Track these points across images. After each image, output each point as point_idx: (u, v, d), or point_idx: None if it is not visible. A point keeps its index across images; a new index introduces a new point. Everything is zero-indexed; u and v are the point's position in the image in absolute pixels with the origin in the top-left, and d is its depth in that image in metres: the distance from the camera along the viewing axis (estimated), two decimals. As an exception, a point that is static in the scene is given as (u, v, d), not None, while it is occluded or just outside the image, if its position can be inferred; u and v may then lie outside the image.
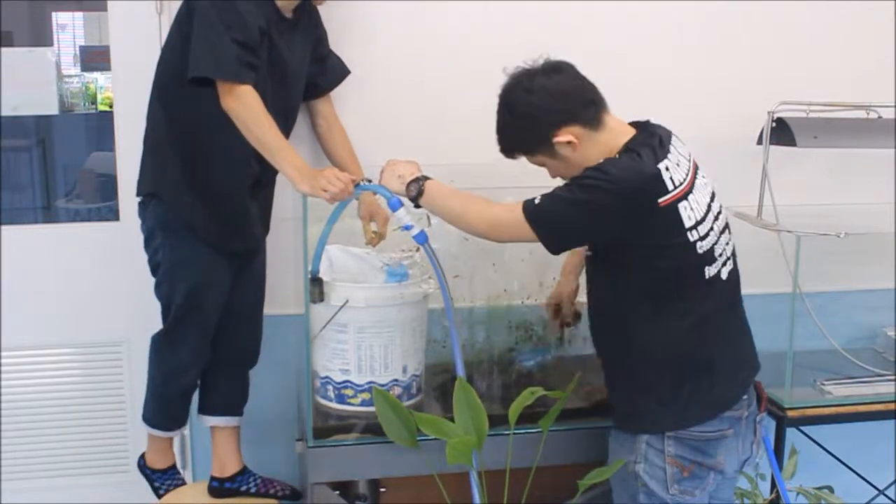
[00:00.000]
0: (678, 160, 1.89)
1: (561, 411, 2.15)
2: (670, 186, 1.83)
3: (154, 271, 2.31)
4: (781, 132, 2.58)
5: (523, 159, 2.00)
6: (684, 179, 1.87)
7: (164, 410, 2.41)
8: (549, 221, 1.87)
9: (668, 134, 1.95)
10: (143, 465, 2.50)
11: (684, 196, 1.85)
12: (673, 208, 1.83)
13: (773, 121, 2.59)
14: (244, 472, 2.47)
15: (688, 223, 1.85)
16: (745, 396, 1.98)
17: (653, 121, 1.98)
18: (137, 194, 2.29)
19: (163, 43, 2.58)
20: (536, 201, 1.86)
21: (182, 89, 2.12)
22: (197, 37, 2.06)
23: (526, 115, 1.89)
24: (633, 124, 1.95)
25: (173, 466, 2.51)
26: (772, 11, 2.74)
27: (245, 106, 2.06)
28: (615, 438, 2.04)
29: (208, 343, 2.34)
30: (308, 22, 2.33)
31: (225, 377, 2.43)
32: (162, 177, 2.23)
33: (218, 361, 2.39)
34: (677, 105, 2.70)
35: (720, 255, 1.92)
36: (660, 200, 1.82)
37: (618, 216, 1.83)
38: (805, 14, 2.78)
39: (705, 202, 1.91)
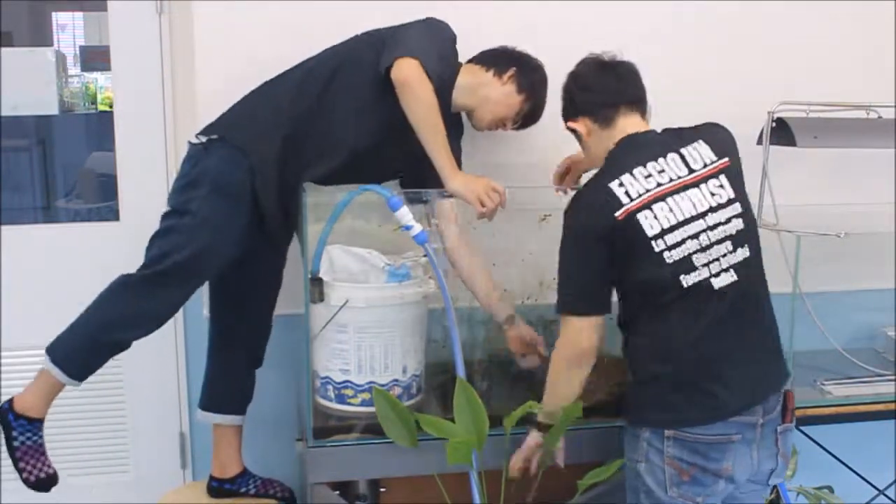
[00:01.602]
0: (654, 171, 1.92)
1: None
2: (625, 200, 1.89)
3: (170, 215, 2.14)
4: (781, 132, 2.58)
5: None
6: (648, 190, 1.90)
7: (84, 355, 2.14)
8: (577, 296, 1.95)
9: (661, 143, 1.98)
10: (6, 409, 2.14)
11: (646, 206, 1.89)
12: (632, 219, 1.88)
13: (773, 121, 2.59)
14: (244, 473, 2.47)
15: (650, 232, 1.88)
16: (758, 405, 1.94)
17: (658, 128, 2.03)
18: (213, 134, 2.16)
19: (163, 42, 2.59)
20: (559, 296, 1.97)
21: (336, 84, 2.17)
22: (406, 31, 2.17)
23: (565, 91, 2.09)
24: (628, 137, 2.00)
25: (42, 420, 2.18)
26: (772, 11, 2.74)
27: (426, 86, 2.07)
28: (624, 435, 2.05)
29: (177, 311, 2.20)
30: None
31: (234, 375, 2.40)
32: (256, 141, 2.15)
33: (228, 358, 2.37)
34: (677, 105, 2.70)
35: (706, 264, 1.90)
36: (616, 214, 1.89)
37: (598, 247, 1.91)
38: (805, 14, 2.78)
39: (690, 211, 1.90)
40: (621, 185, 1.90)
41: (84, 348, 2.14)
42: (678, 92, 2.70)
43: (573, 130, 2.06)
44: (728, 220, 1.93)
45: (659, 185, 1.90)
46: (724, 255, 1.92)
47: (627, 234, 1.89)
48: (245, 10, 2.46)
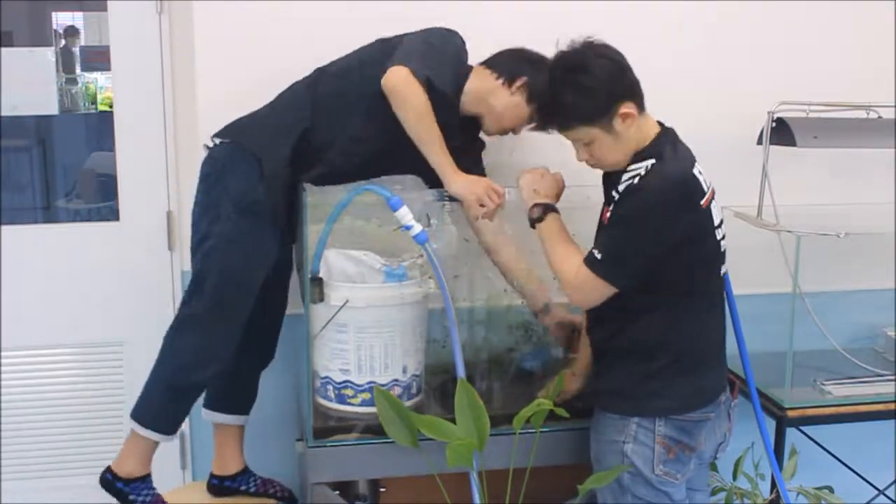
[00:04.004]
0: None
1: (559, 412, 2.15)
2: (704, 188, 1.92)
3: (202, 240, 2.14)
4: (781, 132, 2.58)
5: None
6: (707, 183, 1.95)
7: (168, 407, 2.19)
8: (624, 265, 1.91)
9: None
10: (111, 479, 2.21)
11: (714, 197, 1.96)
12: (707, 209, 1.93)
13: (773, 121, 2.59)
14: (245, 471, 2.47)
15: (716, 222, 1.97)
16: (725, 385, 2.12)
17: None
18: (227, 138, 2.17)
19: (163, 42, 2.59)
20: (598, 255, 1.91)
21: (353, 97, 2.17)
22: (407, 39, 2.14)
23: (598, 79, 1.90)
24: (669, 127, 2.03)
25: (150, 475, 2.27)
26: (772, 11, 2.74)
27: (417, 93, 2.05)
28: (602, 420, 2.06)
29: (239, 334, 2.19)
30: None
31: (240, 374, 2.38)
32: (273, 145, 2.15)
33: (245, 357, 2.33)
34: (677, 105, 2.69)
35: (724, 252, 2.04)
36: (700, 202, 1.91)
37: (675, 225, 1.88)
38: (805, 14, 2.78)
39: (718, 212, 2.00)
40: (700, 173, 1.94)
41: (169, 401, 2.19)
42: (678, 92, 2.70)
43: (623, 115, 1.91)
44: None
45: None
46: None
47: (702, 222, 1.93)
48: (245, 9, 2.46)
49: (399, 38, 2.20)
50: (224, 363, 2.19)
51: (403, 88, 2.05)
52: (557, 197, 2.11)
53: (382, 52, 2.17)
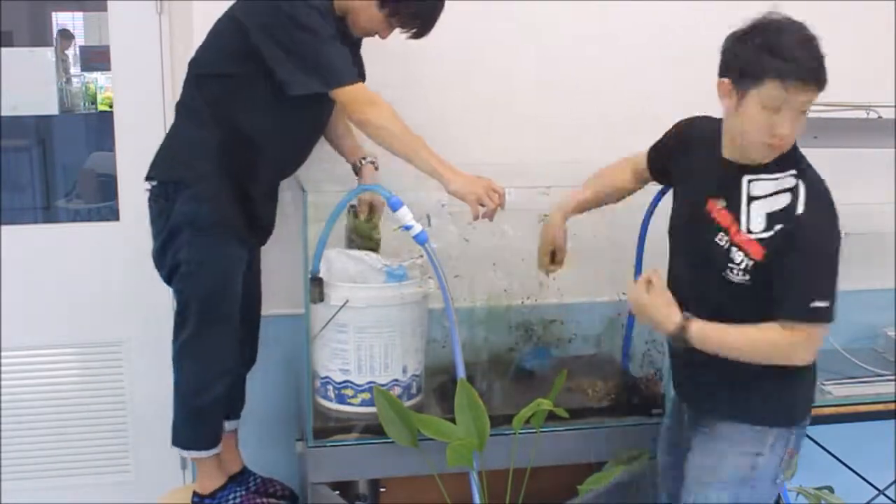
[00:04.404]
0: None
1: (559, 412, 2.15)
2: None
3: (172, 271, 2.17)
4: (781, 132, 2.57)
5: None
6: None
7: (203, 426, 2.25)
8: (834, 298, 1.79)
9: None
10: (198, 501, 2.32)
11: None
12: None
13: (773, 121, 2.58)
14: (244, 472, 2.47)
15: None
16: None
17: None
18: (154, 179, 2.17)
19: (163, 42, 2.58)
20: (821, 303, 1.76)
21: (229, 85, 2.11)
22: (293, 45, 2.02)
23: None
24: None
25: (238, 474, 2.41)
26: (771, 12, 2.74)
27: (382, 112, 2.04)
28: (736, 431, 1.92)
29: (236, 339, 2.23)
30: (358, 45, 2.29)
31: (235, 378, 2.35)
32: (195, 166, 2.13)
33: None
34: (677, 105, 2.70)
35: None
36: None
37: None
38: (805, 14, 2.77)
39: None
40: None
41: (201, 420, 2.24)
42: (678, 92, 2.70)
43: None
44: None
45: None
46: None
47: None
48: (245, 10, 2.46)
49: (248, 19, 2.06)
50: (233, 370, 2.26)
51: (371, 115, 2.04)
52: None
53: (241, 34, 2.06)
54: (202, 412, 2.23)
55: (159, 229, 2.18)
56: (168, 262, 2.18)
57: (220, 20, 2.17)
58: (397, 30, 2.18)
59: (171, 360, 2.22)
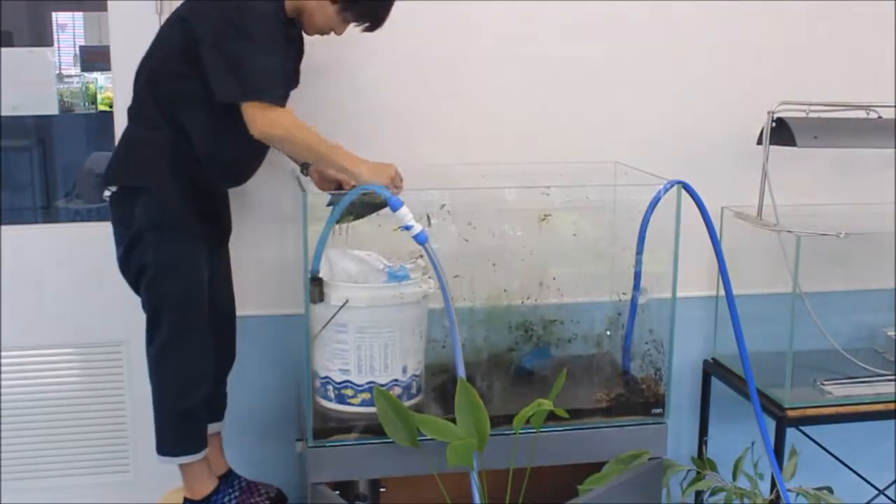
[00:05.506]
0: None
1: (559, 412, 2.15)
2: None
3: (138, 275, 2.17)
4: (781, 132, 2.57)
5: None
6: None
7: (184, 431, 2.23)
8: None
9: None
10: None
11: None
12: None
13: (773, 121, 2.59)
14: (229, 473, 2.45)
15: None
16: None
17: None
18: (112, 184, 2.17)
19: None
20: None
21: (178, 86, 2.10)
22: (228, 51, 2.01)
23: None
24: None
25: (223, 476, 2.39)
26: (772, 12, 2.74)
27: (282, 127, 2.03)
28: None
29: (210, 338, 2.23)
30: (300, 35, 2.29)
31: (216, 379, 2.36)
32: (151, 169, 2.13)
33: (216, 362, 2.34)
34: (677, 105, 2.71)
35: None
36: None
37: None
38: (805, 14, 2.78)
39: None
40: None
41: (186, 424, 2.22)
42: (679, 91, 2.71)
43: None
44: None
45: None
46: None
47: None
48: (245, 10, 2.46)
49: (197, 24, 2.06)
50: (211, 372, 2.26)
51: (269, 132, 2.03)
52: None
53: (189, 35, 2.06)
54: (188, 415, 2.22)
55: (122, 235, 2.19)
56: (133, 267, 2.18)
57: (168, 20, 2.17)
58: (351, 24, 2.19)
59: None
